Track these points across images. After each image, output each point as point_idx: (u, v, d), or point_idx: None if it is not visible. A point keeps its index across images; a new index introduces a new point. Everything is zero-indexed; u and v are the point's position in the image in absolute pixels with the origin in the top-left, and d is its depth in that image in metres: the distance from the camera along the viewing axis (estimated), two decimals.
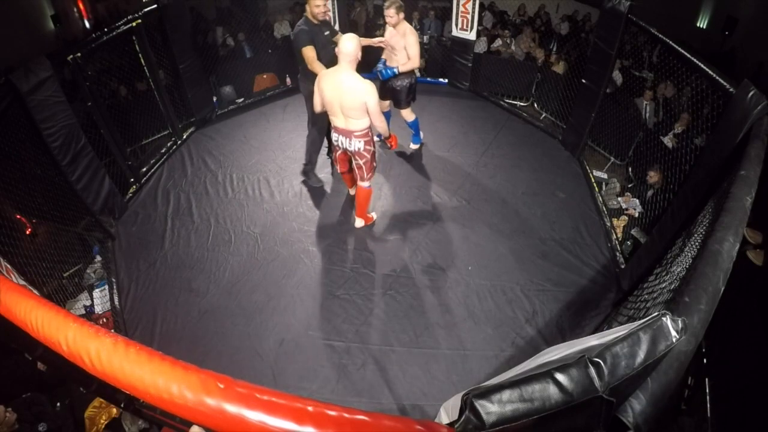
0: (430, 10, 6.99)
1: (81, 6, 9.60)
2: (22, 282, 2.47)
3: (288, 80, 5.73)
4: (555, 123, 5.19)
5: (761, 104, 2.20)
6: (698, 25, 8.91)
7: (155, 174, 4.33)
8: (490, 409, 0.86)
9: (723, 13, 8.28)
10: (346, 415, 0.85)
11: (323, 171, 4.22)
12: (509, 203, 3.91)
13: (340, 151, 3.21)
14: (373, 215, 3.69)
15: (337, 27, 5.49)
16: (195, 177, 4.27)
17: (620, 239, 3.64)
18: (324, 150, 4.23)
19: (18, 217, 3.23)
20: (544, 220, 3.76)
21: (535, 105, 5.77)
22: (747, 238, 3.06)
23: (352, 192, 3.78)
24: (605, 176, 4.44)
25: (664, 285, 1.98)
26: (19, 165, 3.14)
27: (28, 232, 3.29)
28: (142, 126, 4.60)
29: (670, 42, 3.22)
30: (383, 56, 3.96)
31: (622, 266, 3.35)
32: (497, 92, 5.71)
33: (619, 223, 3.84)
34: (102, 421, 2.52)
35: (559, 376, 0.90)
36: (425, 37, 6.60)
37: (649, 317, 1.09)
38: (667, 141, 4.52)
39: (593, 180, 4.23)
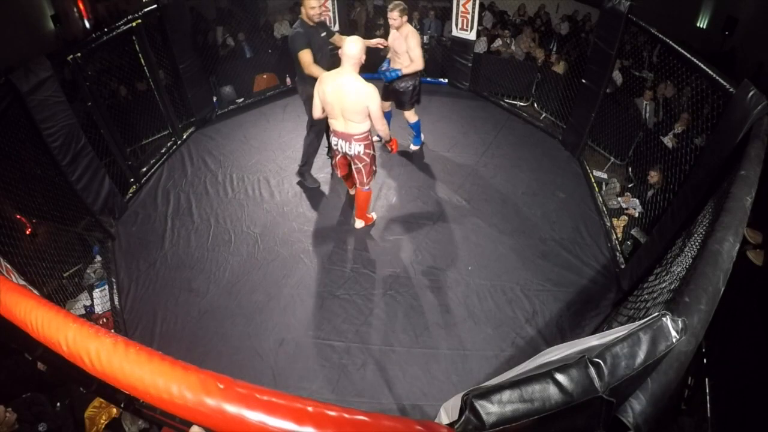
0: (430, 10, 7.00)
1: (81, 6, 9.61)
2: (22, 282, 2.47)
3: (288, 80, 5.73)
4: (555, 123, 5.19)
5: (761, 104, 2.20)
6: (698, 25, 8.91)
7: (155, 174, 4.33)
8: (490, 409, 0.86)
9: (723, 13, 8.29)
10: (346, 415, 0.85)
11: (323, 171, 4.23)
12: (509, 203, 3.91)
13: (339, 156, 3.19)
14: (373, 215, 3.69)
15: (336, 27, 5.50)
16: (195, 177, 4.27)
17: (620, 239, 3.64)
18: (324, 150, 4.24)
19: (18, 217, 3.23)
20: (544, 220, 3.76)
21: (535, 105, 5.77)
22: (747, 238, 3.06)
23: (352, 192, 3.77)
24: (605, 176, 4.44)
25: (664, 285, 1.98)
26: (19, 165, 3.14)
27: (28, 232, 3.29)
28: (142, 126, 4.60)
29: (670, 42, 3.22)
30: (385, 62, 3.98)
31: (622, 266, 3.35)
32: (497, 92, 5.71)
33: (619, 223, 3.84)
34: (102, 421, 2.52)
35: (559, 377, 0.90)
36: (425, 37, 6.60)
37: (649, 317, 1.09)
38: (667, 141, 4.52)
39: (593, 180, 4.23)
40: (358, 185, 3.27)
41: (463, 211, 3.82)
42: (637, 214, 3.84)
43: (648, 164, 4.11)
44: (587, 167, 4.40)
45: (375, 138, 3.10)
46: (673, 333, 1.04)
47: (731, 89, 2.50)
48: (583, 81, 4.30)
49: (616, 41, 3.80)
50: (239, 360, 2.78)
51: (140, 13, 3.98)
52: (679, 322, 1.06)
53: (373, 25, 6.98)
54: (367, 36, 6.42)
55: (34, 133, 3.02)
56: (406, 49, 3.70)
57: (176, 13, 4.36)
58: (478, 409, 0.86)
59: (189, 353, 2.77)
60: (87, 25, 9.72)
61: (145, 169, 4.28)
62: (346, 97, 2.78)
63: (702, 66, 2.83)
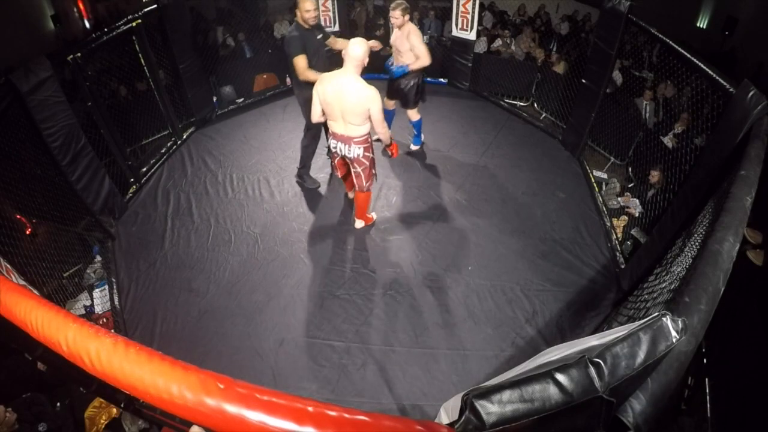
0: (430, 10, 7.00)
1: (81, 6, 9.61)
2: (22, 282, 2.47)
3: (288, 80, 5.73)
4: (555, 123, 5.19)
5: (761, 104, 2.20)
6: (698, 25, 8.91)
7: (155, 174, 4.33)
8: (490, 409, 0.86)
9: (723, 13, 8.29)
10: (346, 415, 0.85)
11: (323, 171, 4.23)
12: (509, 203, 3.92)
13: (338, 158, 3.17)
14: (373, 215, 3.69)
15: (336, 27, 5.50)
16: (195, 177, 4.27)
17: (620, 239, 3.64)
18: (324, 150, 4.24)
19: (18, 217, 3.23)
20: (544, 220, 3.76)
21: (535, 105, 5.76)
22: (747, 238, 3.06)
23: (351, 195, 3.75)
24: (605, 176, 4.44)
25: (664, 285, 1.98)
26: (19, 165, 3.14)
27: (28, 232, 3.29)
28: (142, 126, 4.60)
29: (670, 42, 3.22)
30: (392, 57, 4.01)
31: (622, 266, 3.35)
32: (497, 92, 5.71)
33: (619, 223, 3.84)
34: (102, 421, 2.52)
35: (559, 377, 0.90)
36: (425, 37, 6.58)
37: (649, 317, 1.09)
38: (667, 141, 4.52)
39: (593, 180, 4.23)
40: (357, 188, 3.27)
41: (463, 211, 3.82)
42: (637, 214, 3.84)
43: (648, 164, 4.11)
44: (587, 167, 4.40)
45: (375, 137, 3.09)
46: (673, 333, 1.04)
47: (731, 89, 2.50)
48: (583, 81, 4.30)
49: (616, 41, 3.80)
50: (239, 360, 2.78)
51: (140, 13, 3.98)
52: (679, 322, 1.06)
53: (373, 25, 6.98)
54: (366, 36, 6.44)
55: (34, 133, 3.02)
56: (410, 47, 3.72)
57: (176, 13, 4.37)
58: (478, 409, 0.86)
59: (189, 353, 2.77)
60: (87, 25, 9.72)
61: (145, 169, 4.28)
62: (347, 99, 2.74)
63: (702, 66, 2.83)
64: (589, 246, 3.57)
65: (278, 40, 6.16)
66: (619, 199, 4.11)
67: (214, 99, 5.29)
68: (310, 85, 3.01)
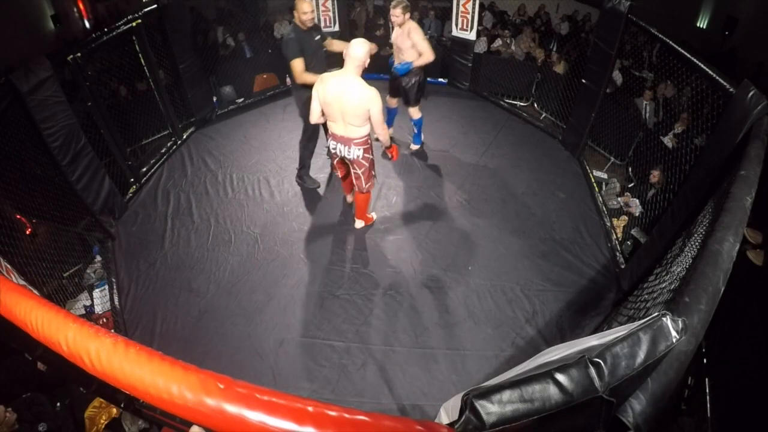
0: (430, 10, 7.00)
1: (81, 6, 9.61)
2: (22, 282, 2.47)
3: (288, 80, 5.72)
4: (555, 123, 5.19)
5: (761, 104, 2.20)
6: (698, 25, 8.91)
7: (155, 174, 4.33)
8: (490, 409, 0.86)
9: (723, 13, 8.29)
10: (346, 415, 0.85)
11: (323, 171, 4.23)
12: (509, 203, 3.91)
13: (337, 159, 3.16)
14: (373, 215, 3.69)
15: (336, 27, 5.50)
16: (195, 177, 4.27)
17: (620, 239, 3.64)
18: (324, 150, 4.24)
19: (18, 217, 3.23)
20: (544, 220, 3.76)
21: (535, 105, 5.76)
22: (747, 238, 3.06)
23: (349, 199, 3.74)
24: (605, 176, 4.44)
25: (664, 285, 1.98)
26: (19, 165, 3.14)
27: (28, 232, 3.29)
28: (142, 126, 4.60)
29: (670, 42, 3.22)
30: (392, 56, 4.03)
31: (622, 266, 3.35)
32: (497, 92, 5.71)
33: (619, 223, 3.84)
34: (102, 421, 2.53)
35: (559, 377, 0.90)
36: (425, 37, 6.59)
37: (649, 317, 1.09)
38: (667, 141, 4.52)
39: (593, 180, 4.23)
40: (356, 190, 3.26)
41: (463, 211, 3.82)
42: (637, 213, 3.84)
43: (648, 164, 4.11)
44: (587, 167, 4.40)
45: (375, 137, 3.08)
46: (673, 333, 1.04)
47: (731, 89, 2.50)
48: (583, 81, 4.30)
49: (616, 41, 3.80)
50: (239, 360, 2.78)
51: (140, 13, 3.98)
52: (679, 322, 1.06)
53: (373, 25, 6.98)
54: (366, 36, 6.43)
55: (34, 133, 3.02)
56: (411, 45, 3.73)
57: (176, 13, 4.37)
58: (478, 409, 0.86)
59: (189, 353, 2.77)
60: (87, 25, 9.72)
61: (145, 169, 4.28)
62: (347, 100, 2.71)
63: (702, 66, 2.83)
64: (589, 246, 3.57)
65: (278, 40, 6.15)
66: (619, 199, 4.11)
67: (214, 99, 5.29)
68: (308, 86, 3.00)
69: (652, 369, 1.04)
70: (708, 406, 2.56)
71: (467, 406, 0.87)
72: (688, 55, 3.00)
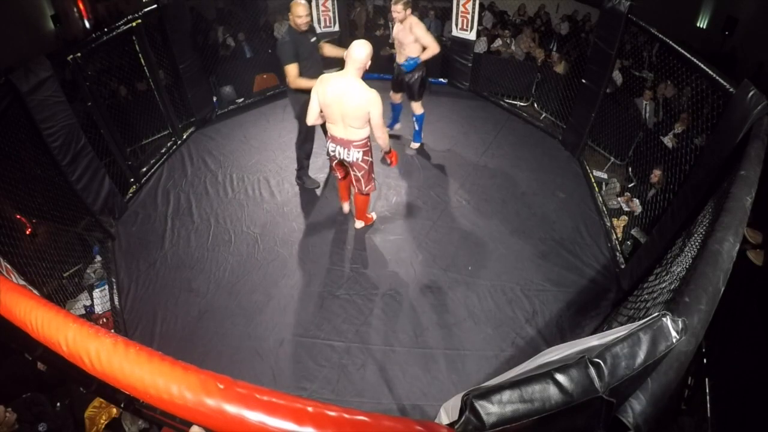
0: (430, 10, 6.99)
1: (81, 6, 9.61)
2: (22, 282, 2.47)
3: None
4: (555, 123, 5.19)
5: (761, 104, 2.20)
6: (698, 25, 8.91)
7: (155, 174, 4.33)
8: (490, 409, 0.86)
9: (723, 13, 8.29)
10: (346, 415, 0.85)
11: (323, 171, 4.23)
12: (509, 203, 3.91)
13: (336, 162, 3.13)
14: (373, 215, 3.68)
15: (336, 27, 5.50)
16: (195, 177, 4.27)
17: (620, 239, 3.64)
18: (324, 150, 4.23)
19: (18, 217, 3.23)
20: (544, 220, 3.76)
21: (535, 105, 5.76)
22: (747, 238, 3.06)
23: (345, 209, 3.67)
24: (605, 176, 4.44)
25: (664, 285, 1.98)
26: (19, 165, 3.14)
27: (28, 232, 3.29)
28: (142, 126, 4.60)
29: (670, 42, 3.22)
30: (394, 52, 4.06)
31: (622, 266, 3.35)
32: (497, 92, 5.71)
33: (619, 223, 3.84)
34: (102, 421, 2.53)
35: (559, 377, 0.90)
36: None
37: (649, 317, 1.09)
38: (667, 141, 4.52)
39: (593, 180, 4.23)
40: (356, 192, 3.24)
41: (463, 211, 3.81)
42: (637, 212, 3.84)
43: (648, 164, 4.11)
44: (587, 167, 4.40)
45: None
46: (673, 333, 1.04)
47: (731, 89, 2.50)
48: (583, 81, 4.30)
49: (616, 41, 3.80)
50: (239, 360, 2.78)
51: (140, 13, 3.98)
52: (679, 322, 1.06)
53: (373, 25, 6.97)
54: (366, 36, 6.43)
55: (34, 133, 3.02)
56: (414, 39, 3.75)
57: (176, 13, 4.36)
58: (478, 409, 0.86)
59: (189, 353, 2.77)
60: (87, 25, 9.72)
61: (145, 169, 4.29)
62: (348, 102, 2.68)
63: (702, 66, 2.83)
64: (589, 246, 3.57)
65: (278, 40, 6.16)
66: (619, 199, 4.11)
67: (214, 99, 5.29)
68: (304, 90, 2.98)
69: (652, 369, 1.04)
70: (708, 406, 2.56)
71: (467, 406, 0.87)
72: (688, 55, 3.00)
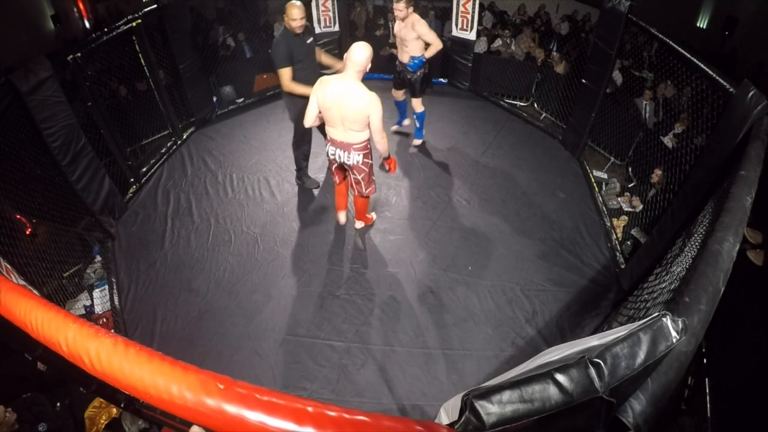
0: (430, 10, 6.99)
1: (81, 6, 9.61)
2: (22, 282, 2.48)
3: None
4: (555, 123, 5.19)
5: (761, 104, 2.20)
6: (698, 25, 8.91)
7: (155, 174, 4.33)
8: (491, 409, 0.86)
9: (723, 13, 8.29)
10: (346, 415, 0.85)
11: (323, 171, 4.22)
12: (509, 203, 3.91)
13: (336, 165, 3.08)
14: (373, 215, 3.68)
15: (336, 27, 5.50)
16: (195, 177, 4.27)
17: (620, 239, 3.64)
18: (323, 150, 4.23)
19: (18, 217, 3.23)
20: (544, 220, 3.76)
21: (535, 105, 5.76)
22: (747, 238, 3.06)
23: (341, 220, 3.55)
24: (605, 176, 4.44)
25: (664, 285, 1.98)
26: (19, 165, 3.14)
27: (28, 232, 3.29)
28: (142, 126, 4.60)
29: (670, 42, 3.22)
30: (396, 51, 4.07)
31: (622, 266, 3.35)
32: (497, 92, 5.70)
33: (619, 223, 3.84)
34: (102, 421, 2.53)
35: (559, 377, 0.90)
36: None
37: (649, 317, 1.09)
38: (667, 141, 4.52)
39: (593, 180, 4.23)
40: (356, 194, 3.21)
41: (463, 211, 3.81)
42: (639, 208, 3.84)
43: (648, 164, 4.11)
44: (587, 167, 4.40)
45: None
46: (673, 333, 1.04)
47: (731, 89, 2.50)
48: (583, 81, 4.30)
49: (616, 41, 3.80)
50: (239, 360, 2.78)
51: (140, 13, 3.98)
52: (679, 322, 1.06)
53: (373, 25, 6.97)
54: (366, 36, 6.44)
55: (34, 133, 3.02)
56: (416, 36, 3.76)
57: (176, 13, 4.36)
58: (478, 409, 0.86)
59: (189, 353, 2.77)
60: (87, 25, 9.72)
61: (145, 169, 4.28)
62: (347, 105, 2.65)
63: (702, 66, 2.83)
64: (589, 246, 3.57)
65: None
66: (619, 199, 4.11)
67: (214, 99, 5.29)
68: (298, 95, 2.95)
69: (652, 369, 1.04)
70: (708, 406, 2.56)
71: (467, 406, 0.87)
72: (688, 55, 3.00)
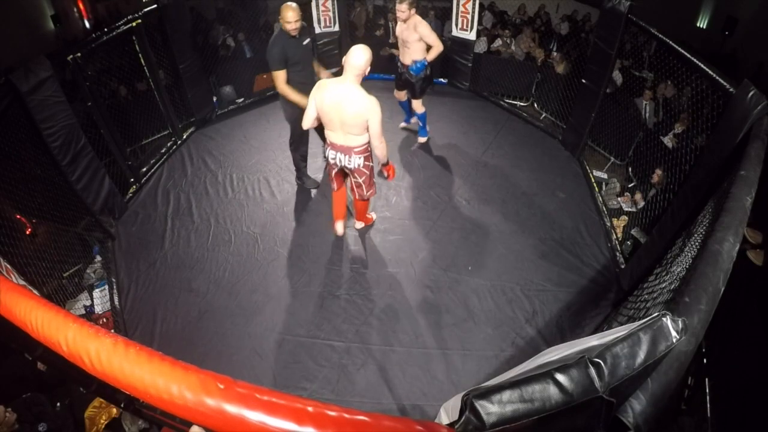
0: (430, 10, 6.99)
1: (81, 6, 9.61)
2: (22, 282, 2.48)
3: None
4: (555, 123, 5.19)
5: (761, 104, 2.20)
6: (698, 25, 8.91)
7: (155, 174, 4.33)
8: (491, 409, 0.86)
9: (723, 13, 8.28)
10: (346, 415, 0.85)
11: (323, 171, 4.22)
12: (509, 203, 3.91)
13: (336, 170, 3.03)
14: (373, 215, 3.68)
15: (336, 27, 5.50)
16: (195, 177, 4.27)
17: (620, 239, 3.64)
18: (323, 150, 4.23)
19: (18, 217, 3.23)
20: (544, 220, 3.76)
21: (535, 105, 5.76)
22: (747, 238, 3.06)
23: (339, 231, 3.46)
24: (605, 176, 4.44)
25: (664, 285, 1.98)
26: (19, 165, 3.14)
27: (28, 232, 3.29)
28: (142, 126, 4.60)
29: (670, 42, 3.22)
30: (397, 53, 4.07)
31: (622, 266, 3.35)
32: (497, 92, 5.70)
33: (619, 223, 3.84)
34: (102, 421, 2.53)
35: (560, 377, 0.90)
36: None
37: (650, 317, 1.09)
38: (667, 141, 4.52)
39: (593, 180, 4.23)
40: (357, 197, 3.18)
41: (463, 211, 3.81)
42: (641, 205, 3.84)
43: (648, 164, 4.11)
44: (587, 167, 4.40)
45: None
46: (673, 333, 1.04)
47: (731, 89, 2.50)
48: (583, 81, 4.30)
49: (616, 41, 3.80)
50: (239, 360, 2.78)
51: (140, 13, 3.98)
52: (679, 322, 1.06)
53: (373, 25, 6.97)
54: (366, 36, 6.44)
55: (34, 133, 3.02)
56: (418, 38, 3.76)
57: (176, 13, 4.36)
58: (478, 409, 0.86)
59: (189, 353, 2.77)
60: (87, 25, 9.71)
61: (145, 169, 4.28)
62: (346, 109, 2.61)
63: (702, 66, 2.83)
64: (589, 246, 3.57)
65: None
66: (619, 199, 4.11)
67: (214, 99, 5.29)
68: (296, 92, 2.93)
69: (652, 369, 1.04)
70: (708, 406, 2.56)
71: (467, 406, 0.87)
72: (688, 55, 3.00)
